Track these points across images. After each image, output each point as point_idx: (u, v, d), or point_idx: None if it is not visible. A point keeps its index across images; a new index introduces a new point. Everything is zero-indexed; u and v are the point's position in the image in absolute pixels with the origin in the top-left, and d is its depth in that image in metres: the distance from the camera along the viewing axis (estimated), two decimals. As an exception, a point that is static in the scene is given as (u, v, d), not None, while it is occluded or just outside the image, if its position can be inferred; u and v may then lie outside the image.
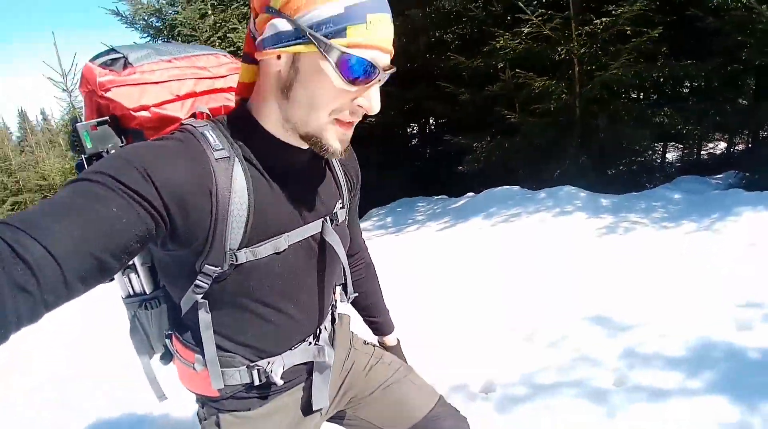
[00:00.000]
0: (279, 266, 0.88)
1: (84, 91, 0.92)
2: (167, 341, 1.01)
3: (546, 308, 2.76)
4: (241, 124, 0.85)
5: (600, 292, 2.85)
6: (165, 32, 7.45)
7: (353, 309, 1.30)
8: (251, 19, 0.80)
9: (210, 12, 7.24)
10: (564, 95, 4.77)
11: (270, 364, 0.97)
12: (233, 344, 0.94)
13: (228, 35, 6.78)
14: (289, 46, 0.73)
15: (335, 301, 1.15)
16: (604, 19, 4.53)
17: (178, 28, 6.96)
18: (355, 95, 0.76)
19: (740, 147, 6.29)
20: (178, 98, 0.91)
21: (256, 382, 0.96)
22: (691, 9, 4.34)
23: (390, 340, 1.36)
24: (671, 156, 5.95)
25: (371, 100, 0.78)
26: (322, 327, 1.05)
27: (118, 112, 0.88)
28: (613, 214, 4.07)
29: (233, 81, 0.98)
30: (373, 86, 0.77)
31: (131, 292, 1.01)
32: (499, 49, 4.91)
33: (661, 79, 4.52)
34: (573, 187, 4.57)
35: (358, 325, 1.31)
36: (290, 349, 0.99)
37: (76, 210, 0.63)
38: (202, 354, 0.93)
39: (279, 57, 0.76)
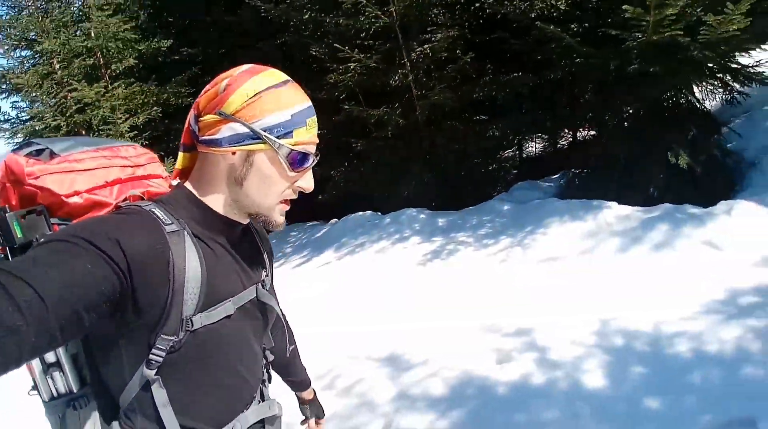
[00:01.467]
0: (229, 329, 0.93)
1: (4, 182, 0.94)
2: None
3: (346, 354, 2.90)
4: (183, 202, 0.92)
5: (400, 332, 3.03)
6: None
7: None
8: (191, 115, 0.91)
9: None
10: (401, 120, 5.00)
11: None
12: (191, 418, 0.94)
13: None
14: (245, 145, 0.87)
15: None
16: (425, 46, 4.78)
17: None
18: (296, 179, 0.91)
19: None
20: (107, 184, 0.97)
21: None
22: (498, 31, 4.68)
23: (308, 394, 1.45)
24: (510, 163, 6.35)
25: (308, 181, 0.93)
26: (262, 384, 1.11)
27: (46, 201, 0.92)
28: (444, 235, 4.31)
29: (151, 169, 1.08)
30: (308, 171, 0.93)
31: (55, 394, 0.98)
32: (335, 83, 5.09)
33: (481, 96, 4.83)
34: (414, 210, 4.80)
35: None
36: (244, 411, 1.03)
37: (55, 263, 0.68)
38: None
39: (234, 153, 0.88)
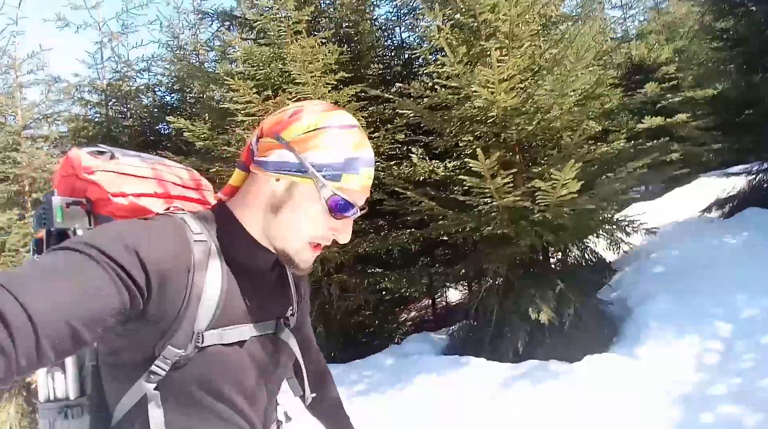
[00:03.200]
0: (240, 357, 0.88)
1: (62, 175, 0.95)
2: None
3: None
4: (220, 218, 0.91)
5: None
6: None
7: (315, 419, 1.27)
8: (255, 134, 0.90)
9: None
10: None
11: None
12: None
13: None
14: (291, 174, 0.85)
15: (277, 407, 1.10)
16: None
17: None
18: (333, 226, 0.88)
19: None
20: (156, 195, 0.96)
21: None
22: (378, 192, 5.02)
23: None
24: (406, 314, 6.40)
25: (344, 232, 0.89)
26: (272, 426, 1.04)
27: (94, 196, 0.92)
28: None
29: (201, 195, 1.07)
30: (348, 220, 0.89)
31: (51, 397, 0.91)
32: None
33: (369, 251, 5.02)
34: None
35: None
36: None
37: (60, 278, 0.65)
38: None
39: (278, 179, 0.86)
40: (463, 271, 4.36)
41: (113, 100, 8.16)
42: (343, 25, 6.29)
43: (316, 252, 0.91)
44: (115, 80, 8.19)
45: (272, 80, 5.25)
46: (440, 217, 4.14)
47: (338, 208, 0.86)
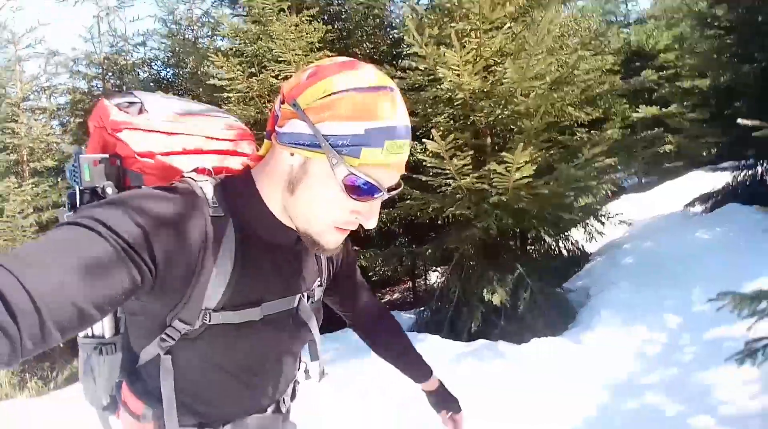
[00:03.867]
0: (249, 335, 0.86)
1: (93, 126, 0.93)
2: (116, 390, 0.98)
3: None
4: (242, 190, 0.85)
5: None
6: None
7: (386, 362, 1.28)
8: (278, 100, 0.80)
9: None
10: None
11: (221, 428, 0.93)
12: (186, 404, 0.90)
13: None
14: (304, 149, 0.75)
15: (297, 374, 1.09)
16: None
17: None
18: (354, 209, 0.77)
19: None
20: (185, 152, 0.91)
21: None
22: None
23: (430, 385, 1.29)
24: (390, 296, 6.52)
25: (368, 217, 0.79)
26: (281, 399, 1.03)
27: (123, 152, 0.89)
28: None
29: (239, 146, 0.99)
30: (373, 203, 0.78)
31: (89, 333, 0.97)
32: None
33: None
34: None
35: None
36: (245, 416, 0.95)
37: (65, 256, 0.62)
38: (151, 407, 0.91)
39: (292, 154, 0.77)
40: (429, 251, 4.41)
41: (110, 74, 8.27)
42: (334, 3, 6.30)
43: (340, 234, 0.81)
44: (112, 54, 8.29)
45: (259, 57, 5.31)
46: (408, 197, 4.20)
47: (357, 189, 0.75)
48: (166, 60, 8.42)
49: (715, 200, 6.55)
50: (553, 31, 4.19)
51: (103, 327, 0.96)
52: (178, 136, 0.92)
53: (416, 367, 1.27)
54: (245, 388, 0.93)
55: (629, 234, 6.20)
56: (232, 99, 4.88)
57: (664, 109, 8.74)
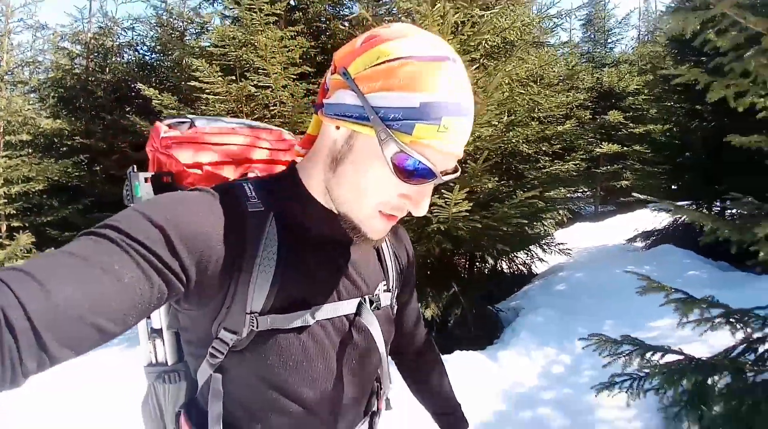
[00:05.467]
0: (304, 343, 0.77)
1: (149, 150, 0.92)
2: (175, 423, 0.90)
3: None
4: (284, 181, 0.79)
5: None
6: None
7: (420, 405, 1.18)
8: (329, 71, 0.73)
9: None
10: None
11: None
12: None
13: None
14: (351, 121, 0.68)
15: (377, 407, 0.97)
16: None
17: None
18: (402, 192, 0.70)
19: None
20: (233, 162, 0.90)
21: None
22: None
23: None
24: None
25: (418, 202, 0.70)
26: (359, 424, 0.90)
27: (174, 168, 0.88)
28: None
29: (289, 156, 0.95)
30: (425, 187, 0.70)
31: (153, 361, 0.92)
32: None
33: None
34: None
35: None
36: None
37: (77, 269, 0.57)
38: None
39: (338, 127, 0.70)
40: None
41: (95, 54, 8.45)
42: (320, 20, 6.60)
43: (388, 221, 0.73)
44: (99, 35, 8.47)
45: (241, 62, 5.58)
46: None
47: (407, 170, 0.67)
48: (152, 46, 8.63)
49: (654, 238, 7.07)
50: (514, 75, 4.57)
51: (166, 353, 0.91)
52: (226, 146, 0.90)
53: (453, 413, 1.16)
54: (303, 415, 0.80)
55: (570, 261, 6.68)
56: (210, 100, 5.13)
57: (625, 148, 9.31)
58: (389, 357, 1.02)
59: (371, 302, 0.85)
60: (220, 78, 4.98)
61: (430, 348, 1.16)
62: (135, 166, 0.90)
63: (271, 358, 0.75)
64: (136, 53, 8.77)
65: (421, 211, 0.71)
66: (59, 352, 0.55)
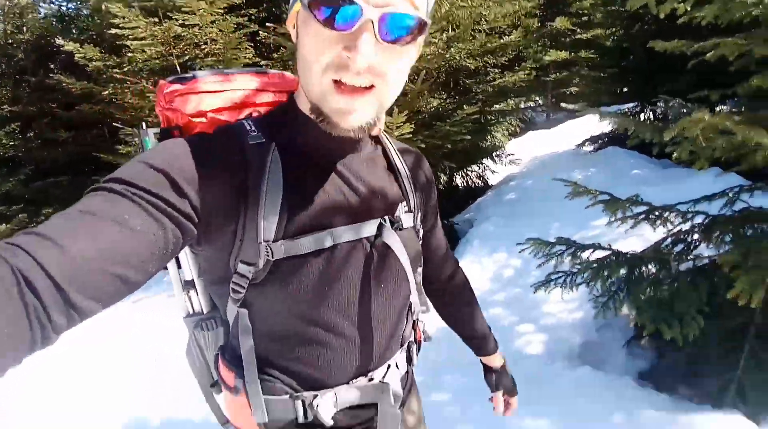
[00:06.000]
0: (323, 269, 0.78)
1: (158, 110, 0.91)
2: (214, 366, 0.95)
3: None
4: (282, 111, 0.81)
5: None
6: None
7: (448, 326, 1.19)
8: None
9: None
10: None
11: (317, 398, 0.84)
12: (274, 369, 0.84)
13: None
14: (291, 12, 0.73)
15: (414, 337, 1.00)
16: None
17: None
18: (335, 41, 0.66)
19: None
20: (236, 107, 0.88)
21: (301, 419, 0.84)
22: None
23: (492, 360, 1.23)
24: None
25: (353, 50, 0.64)
26: (390, 362, 0.92)
27: (181, 121, 0.87)
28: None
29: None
30: (356, 32, 0.64)
31: (190, 312, 0.96)
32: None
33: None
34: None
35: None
36: (345, 383, 0.86)
37: (89, 224, 0.58)
38: (240, 377, 0.84)
39: (293, 26, 0.73)
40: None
41: (11, 15, 7.72)
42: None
43: (347, 97, 0.68)
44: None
45: (163, 3, 5.11)
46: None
47: (323, 10, 0.64)
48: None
49: (602, 142, 7.31)
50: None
51: (201, 301, 0.96)
52: (227, 92, 0.89)
53: (483, 337, 1.20)
54: (335, 342, 0.83)
55: (523, 170, 6.90)
56: (135, 47, 4.67)
57: (573, 54, 9.31)
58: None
59: (392, 223, 0.85)
60: (143, 21, 4.61)
61: (460, 276, 1.17)
62: (144, 123, 0.90)
63: (291, 286, 0.77)
64: (52, 5, 8.05)
65: (359, 61, 0.64)
66: (86, 304, 0.56)
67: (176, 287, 0.96)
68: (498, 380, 1.22)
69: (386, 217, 0.84)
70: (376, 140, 0.89)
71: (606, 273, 2.51)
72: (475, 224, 5.12)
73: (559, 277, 2.70)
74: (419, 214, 0.93)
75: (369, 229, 0.82)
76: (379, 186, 0.85)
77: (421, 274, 0.96)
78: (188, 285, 0.95)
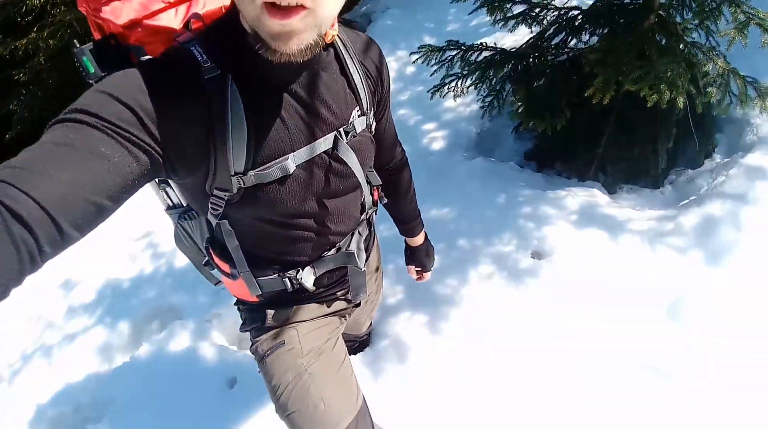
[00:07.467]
0: (291, 188, 0.84)
1: (83, 11, 0.83)
2: (206, 253, 1.05)
3: None
4: (228, 32, 0.75)
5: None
6: None
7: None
8: None
9: None
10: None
11: (299, 273, 1.00)
12: (259, 257, 0.97)
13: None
14: None
15: (371, 202, 1.11)
16: None
17: None
18: None
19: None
20: (170, 5, 0.82)
21: (289, 289, 1.02)
22: None
23: (415, 241, 1.38)
24: None
25: None
26: (353, 234, 1.06)
27: (114, 29, 0.81)
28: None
29: None
30: None
31: (170, 204, 1.04)
32: None
33: None
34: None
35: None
36: (319, 258, 1.02)
37: (63, 155, 0.59)
38: (234, 266, 0.97)
39: None
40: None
41: None
42: None
43: (280, 19, 0.63)
44: None
45: None
46: None
47: None
48: None
49: None
50: None
51: (178, 195, 1.01)
52: None
53: (411, 222, 1.33)
54: (306, 235, 0.96)
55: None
56: None
57: None
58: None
59: (346, 133, 0.88)
60: None
61: (405, 166, 1.24)
62: (76, 40, 0.83)
63: (263, 207, 0.85)
64: None
65: None
66: (71, 233, 0.58)
67: (151, 185, 1.02)
68: (412, 256, 1.42)
69: (341, 130, 0.87)
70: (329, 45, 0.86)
71: (491, 72, 2.67)
72: (374, 19, 4.95)
73: (452, 81, 2.84)
74: (371, 111, 0.96)
75: (326, 143, 0.86)
76: (334, 97, 0.86)
77: (373, 170, 1.09)
78: (163, 182, 1.01)
